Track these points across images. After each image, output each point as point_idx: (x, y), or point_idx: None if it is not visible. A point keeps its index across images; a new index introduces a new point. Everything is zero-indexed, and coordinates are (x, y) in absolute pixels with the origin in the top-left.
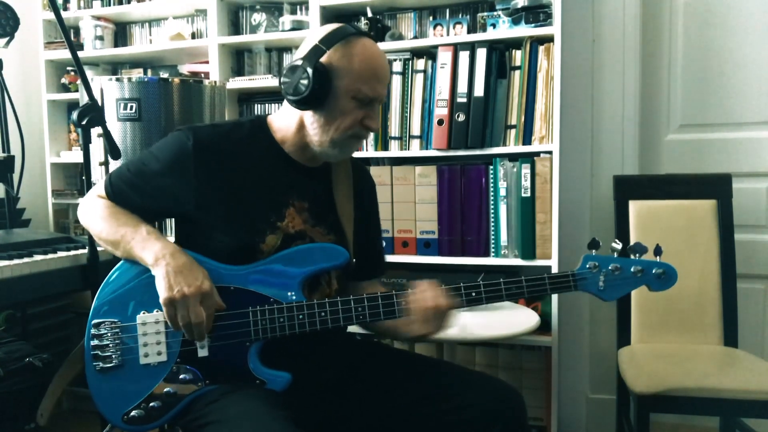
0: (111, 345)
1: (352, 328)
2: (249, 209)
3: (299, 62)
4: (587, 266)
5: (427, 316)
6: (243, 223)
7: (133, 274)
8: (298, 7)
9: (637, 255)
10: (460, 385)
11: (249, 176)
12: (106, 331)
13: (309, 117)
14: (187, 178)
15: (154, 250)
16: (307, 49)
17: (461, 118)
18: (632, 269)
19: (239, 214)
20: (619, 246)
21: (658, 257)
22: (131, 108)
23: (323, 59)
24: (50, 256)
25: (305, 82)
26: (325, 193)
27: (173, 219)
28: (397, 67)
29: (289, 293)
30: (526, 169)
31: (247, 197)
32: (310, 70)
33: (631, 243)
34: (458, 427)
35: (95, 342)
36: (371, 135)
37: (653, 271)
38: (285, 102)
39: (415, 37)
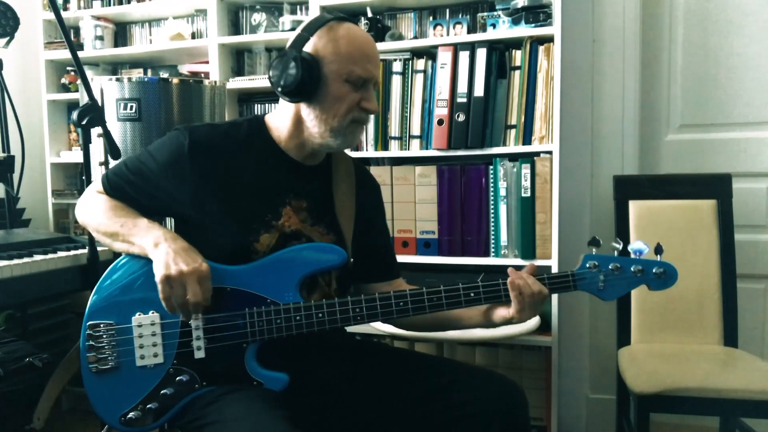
0: (107, 347)
1: (355, 329)
2: (244, 208)
3: (285, 54)
4: (587, 265)
5: (534, 302)
6: (238, 222)
7: (128, 274)
8: (298, 7)
9: (638, 254)
10: (460, 381)
11: (245, 175)
12: (101, 333)
13: (305, 109)
14: (183, 177)
15: (155, 235)
16: (291, 41)
17: (461, 118)
18: (632, 268)
19: (234, 214)
20: (619, 245)
21: (658, 256)
22: (131, 108)
23: (308, 47)
24: (50, 256)
25: (293, 72)
26: (325, 192)
27: (172, 219)
28: (397, 67)
29: (286, 294)
30: (526, 169)
31: (242, 196)
32: (296, 59)
33: (631, 242)
34: (460, 423)
35: (91, 343)
36: (371, 132)
37: (653, 271)
38: (280, 101)
39: (415, 37)
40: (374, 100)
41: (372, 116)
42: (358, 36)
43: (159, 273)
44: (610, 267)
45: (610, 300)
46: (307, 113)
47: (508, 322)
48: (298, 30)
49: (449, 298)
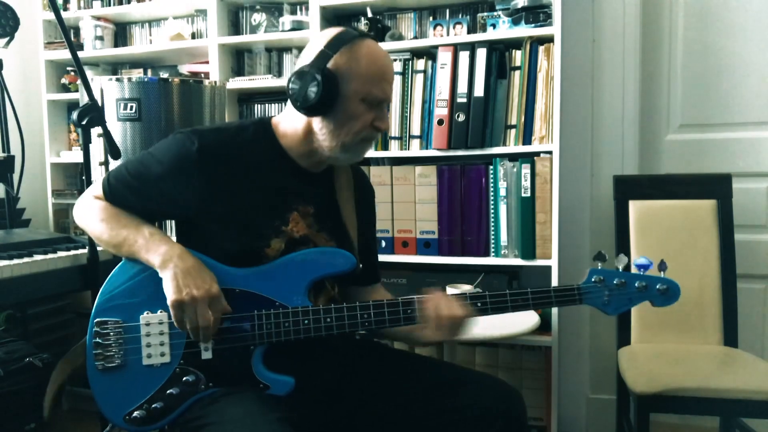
0: (113, 345)
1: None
2: (253, 214)
3: (306, 69)
4: (592, 280)
5: (441, 323)
6: (247, 229)
7: (136, 272)
8: (298, 7)
9: (642, 270)
10: (459, 384)
11: (253, 181)
12: (108, 331)
13: (318, 123)
14: (190, 183)
15: (160, 253)
16: (312, 55)
17: (461, 118)
18: (636, 284)
19: (243, 220)
20: (624, 261)
21: (662, 272)
22: (131, 108)
23: (330, 64)
24: (50, 256)
25: (314, 89)
26: (328, 198)
27: (173, 221)
28: (397, 67)
29: (294, 297)
30: (526, 169)
31: (251, 202)
32: (318, 76)
33: (632, 245)
34: (458, 427)
35: (98, 341)
36: None
37: (656, 287)
38: (289, 106)
39: (415, 37)
40: (387, 119)
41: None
42: (378, 57)
43: (170, 297)
44: (614, 282)
45: (613, 314)
46: (320, 127)
47: (428, 341)
48: (321, 45)
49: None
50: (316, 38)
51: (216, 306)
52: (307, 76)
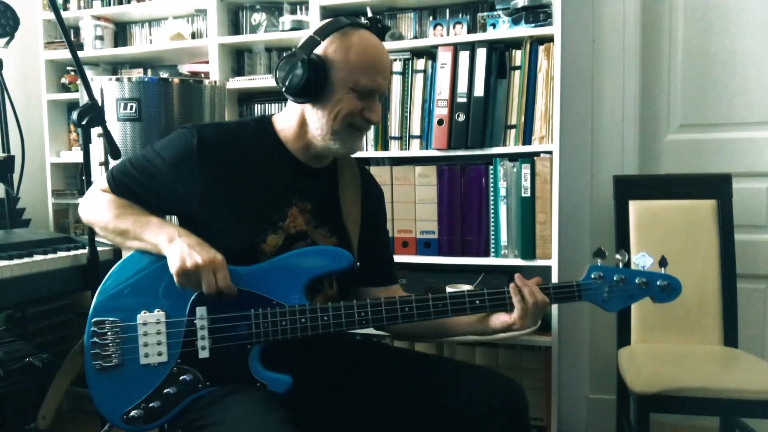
0: (111, 344)
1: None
2: (251, 208)
3: (293, 54)
4: (592, 276)
5: (537, 310)
6: (244, 223)
7: (135, 272)
8: (298, 7)
9: (642, 266)
10: (460, 379)
11: (252, 176)
12: (106, 330)
13: (309, 111)
14: (190, 176)
15: (168, 232)
16: (302, 42)
17: (461, 118)
18: (636, 280)
19: (241, 214)
20: (625, 257)
21: (663, 269)
22: (131, 108)
23: (318, 50)
24: (50, 256)
25: (299, 72)
26: (330, 195)
27: (176, 217)
28: (397, 67)
29: (291, 296)
30: (526, 169)
31: (249, 196)
32: (303, 61)
33: (632, 245)
34: (460, 422)
35: (95, 340)
36: (371, 132)
37: (657, 283)
38: (288, 101)
39: (415, 37)
40: (378, 111)
41: (372, 126)
42: (370, 46)
43: (174, 265)
44: (614, 278)
45: (613, 311)
46: (311, 115)
47: (508, 328)
48: (311, 32)
49: (455, 305)
50: (312, 28)
51: (222, 274)
52: (292, 61)
